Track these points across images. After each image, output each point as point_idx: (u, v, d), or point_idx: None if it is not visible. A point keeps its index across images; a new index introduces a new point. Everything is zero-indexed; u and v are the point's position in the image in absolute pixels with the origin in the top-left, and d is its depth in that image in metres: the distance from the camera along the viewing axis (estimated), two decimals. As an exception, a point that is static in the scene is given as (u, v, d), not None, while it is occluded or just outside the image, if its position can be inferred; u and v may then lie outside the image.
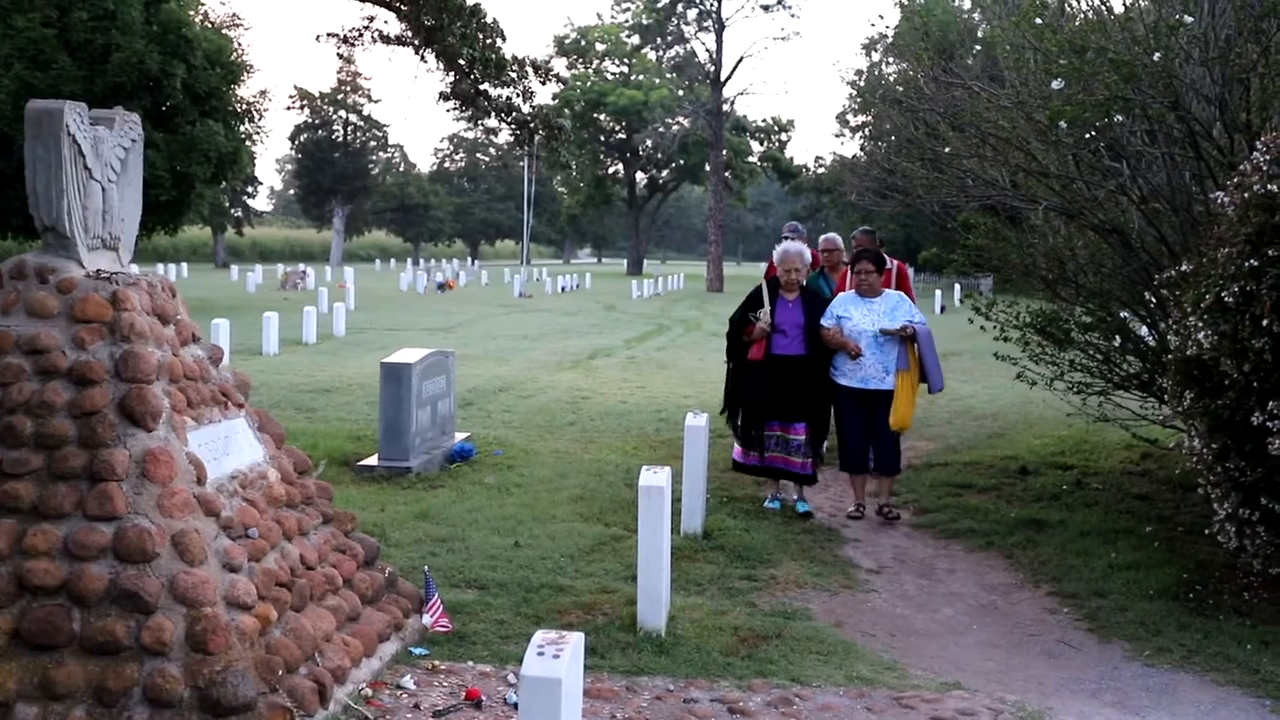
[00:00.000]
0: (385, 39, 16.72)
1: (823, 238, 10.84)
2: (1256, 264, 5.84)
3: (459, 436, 10.59)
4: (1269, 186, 5.86)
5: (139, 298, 4.70)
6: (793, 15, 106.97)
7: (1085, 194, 8.93)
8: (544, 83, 17.36)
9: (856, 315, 8.54)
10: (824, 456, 9.30)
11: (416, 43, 16.01)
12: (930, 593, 6.95)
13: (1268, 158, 6.08)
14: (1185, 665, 5.69)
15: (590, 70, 73.12)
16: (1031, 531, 8.19)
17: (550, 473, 9.67)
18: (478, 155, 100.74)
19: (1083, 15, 9.31)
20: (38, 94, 23.40)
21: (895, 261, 10.04)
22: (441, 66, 16.28)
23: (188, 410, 4.70)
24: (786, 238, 11.53)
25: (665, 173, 77.01)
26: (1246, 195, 6.07)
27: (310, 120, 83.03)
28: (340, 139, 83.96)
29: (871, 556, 7.69)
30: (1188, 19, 7.96)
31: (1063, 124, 8.28)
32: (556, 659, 3.23)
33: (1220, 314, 6.03)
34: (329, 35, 17.73)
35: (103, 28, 28.66)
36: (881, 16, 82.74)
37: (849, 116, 57.86)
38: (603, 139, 73.58)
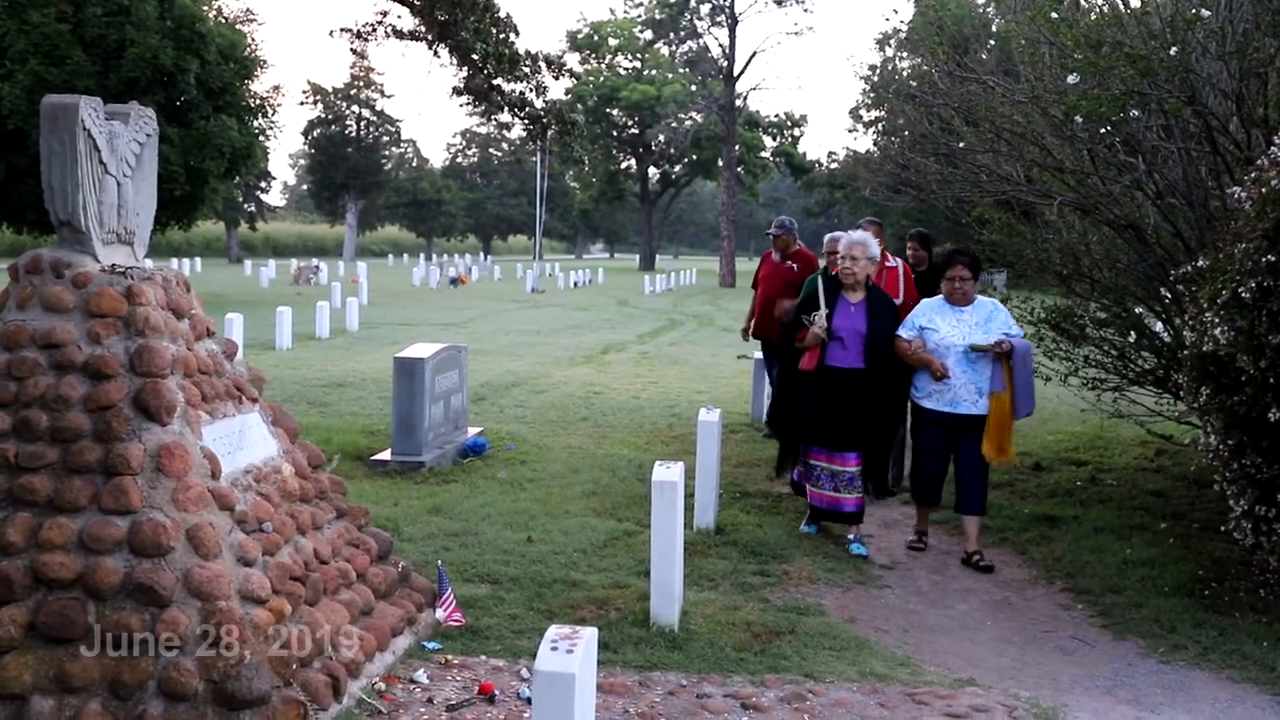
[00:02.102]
0: (398, 34, 16.71)
1: (828, 237, 9.56)
2: (1274, 259, 5.81)
3: (472, 431, 10.61)
4: (1286, 181, 5.82)
5: (154, 292, 4.71)
6: (806, 10, 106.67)
7: (1100, 189, 8.88)
8: (557, 78, 17.30)
9: (944, 327, 7.38)
10: (893, 489, 8.60)
11: (430, 38, 15.99)
12: (944, 589, 6.94)
13: (1285, 152, 6.04)
14: (1200, 662, 5.67)
15: (603, 65, 73.12)
16: (1045, 527, 8.16)
17: (563, 468, 9.68)
18: (490, 150, 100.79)
19: (1098, 9, 9.28)
20: (52, 89, 23.44)
21: (900, 261, 9.27)
22: (454, 61, 16.26)
23: (202, 405, 4.72)
24: (773, 235, 11.28)
25: (678, 168, 76.94)
26: (1264, 190, 6.03)
27: (323, 115, 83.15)
28: (353, 134, 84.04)
29: (885, 552, 7.68)
30: (1205, 13, 7.92)
31: (1078, 119, 8.24)
32: (570, 654, 3.23)
33: (1237, 310, 6.00)
34: (342, 30, 17.71)
35: (117, 23, 28.75)
36: (896, 11, 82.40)
37: (862, 111, 57.64)
38: (615, 134, 73.56)
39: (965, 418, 7.29)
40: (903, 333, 7.43)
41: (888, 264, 8.95)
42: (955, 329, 7.34)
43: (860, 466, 7.43)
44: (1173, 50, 7.67)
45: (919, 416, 7.52)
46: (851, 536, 7.61)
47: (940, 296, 7.56)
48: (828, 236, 9.61)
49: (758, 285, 11.35)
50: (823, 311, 7.36)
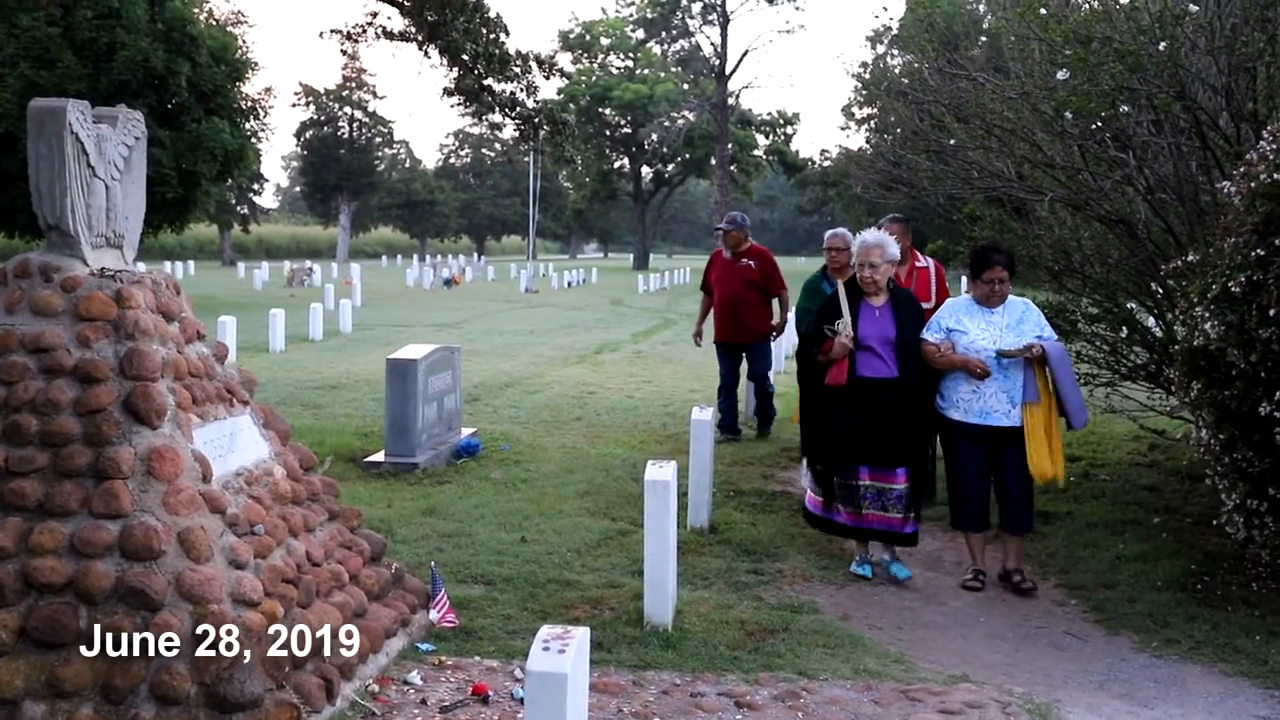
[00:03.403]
0: (389, 35, 16.71)
1: (829, 234, 9.23)
2: (1263, 254, 5.82)
3: (465, 432, 10.60)
4: (1275, 176, 5.83)
5: (143, 295, 4.71)
6: (797, 8, 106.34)
7: (1091, 185, 8.89)
8: (548, 78, 17.32)
9: (973, 329, 6.68)
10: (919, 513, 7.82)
11: (420, 38, 15.99)
12: (937, 585, 6.94)
13: (1274, 147, 6.05)
14: (1193, 656, 5.68)
15: (595, 65, 73.13)
16: (1039, 523, 8.15)
17: (557, 468, 9.67)
18: (483, 151, 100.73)
19: (1088, 5, 9.29)
20: (43, 93, 23.43)
21: (932, 260, 8.70)
22: (445, 62, 16.27)
23: (193, 407, 4.71)
24: (723, 230, 10.96)
25: (670, 167, 76.95)
26: (1253, 185, 6.04)
27: (315, 117, 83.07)
28: (346, 135, 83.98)
29: (879, 549, 7.68)
30: (1193, 8, 7.93)
31: (1068, 115, 8.26)
32: (563, 654, 3.22)
33: (1227, 304, 6.01)
34: (333, 32, 17.72)
35: (107, 26, 28.68)
36: (886, 9, 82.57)
37: (854, 109, 57.70)
38: (608, 133, 73.56)
39: (998, 430, 6.57)
40: (927, 335, 6.78)
41: (918, 264, 8.48)
42: (985, 331, 6.65)
43: (908, 484, 6.71)
44: (1162, 45, 7.69)
45: (949, 431, 6.78)
46: (887, 557, 7.01)
47: (967, 295, 6.95)
48: (828, 234, 9.21)
49: (711, 288, 11.05)
50: (846, 319, 6.69)
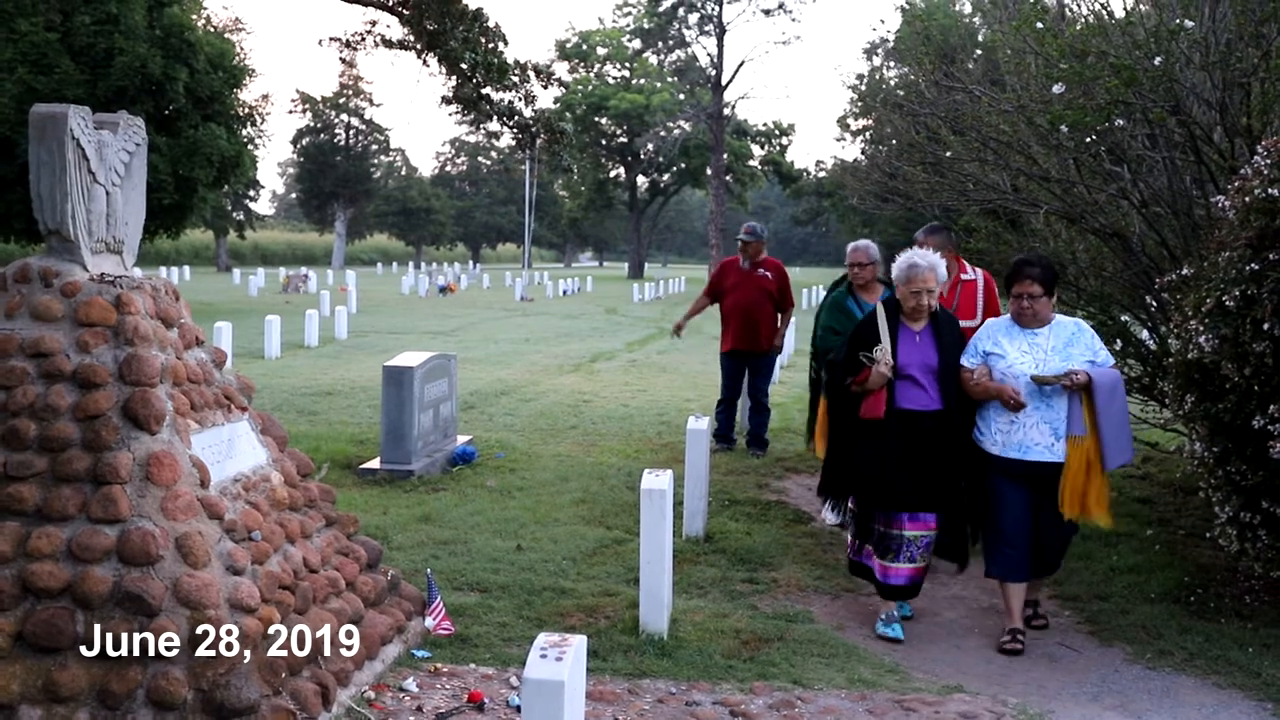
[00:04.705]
0: (388, 43, 16.78)
1: (852, 247, 8.45)
2: (1257, 268, 5.84)
3: (461, 440, 10.60)
4: (1270, 190, 5.86)
5: (142, 301, 4.71)
6: (794, 19, 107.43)
7: (1086, 198, 8.92)
8: (546, 87, 17.42)
9: (1012, 352, 5.88)
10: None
11: (419, 47, 16.05)
12: (931, 596, 6.93)
13: (1269, 162, 6.08)
14: (1186, 668, 5.68)
15: (592, 74, 73.16)
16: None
17: (552, 476, 9.67)
18: (479, 159, 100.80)
19: (1083, 19, 9.33)
20: (41, 98, 23.41)
21: (980, 271, 7.84)
22: (443, 71, 16.33)
23: (191, 413, 4.71)
24: (742, 241, 10.71)
25: (666, 176, 76.99)
26: (1247, 199, 6.07)
27: (312, 124, 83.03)
28: (342, 143, 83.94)
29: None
30: (1188, 23, 7.97)
31: (1064, 128, 8.28)
32: (559, 661, 3.23)
33: (1221, 318, 6.03)
34: (331, 39, 17.81)
35: (105, 32, 28.71)
36: (883, 21, 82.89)
37: (850, 120, 57.85)
38: (604, 143, 73.58)
39: (1038, 466, 5.81)
40: (965, 360, 6.00)
41: (964, 276, 7.66)
42: (1026, 355, 5.86)
43: (936, 530, 6.01)
44: (1157, 60, 7.72)
45: (987, 466, 5.96)
46: (883, 616, 6.18)
47: (1008, 315, 6.12)
48: (851, 247, 8.49)
49: (724, 294, 10.82)
50: (885, 346, 5.92)
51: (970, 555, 6.24)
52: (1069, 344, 5.88)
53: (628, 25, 70.28)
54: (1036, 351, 5.86)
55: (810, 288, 43.62)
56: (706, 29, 63.22)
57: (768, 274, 10.65)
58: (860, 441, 6.01)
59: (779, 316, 10.82)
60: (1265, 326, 5.73)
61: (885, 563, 6.03)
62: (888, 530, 5.98)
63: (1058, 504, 5.82)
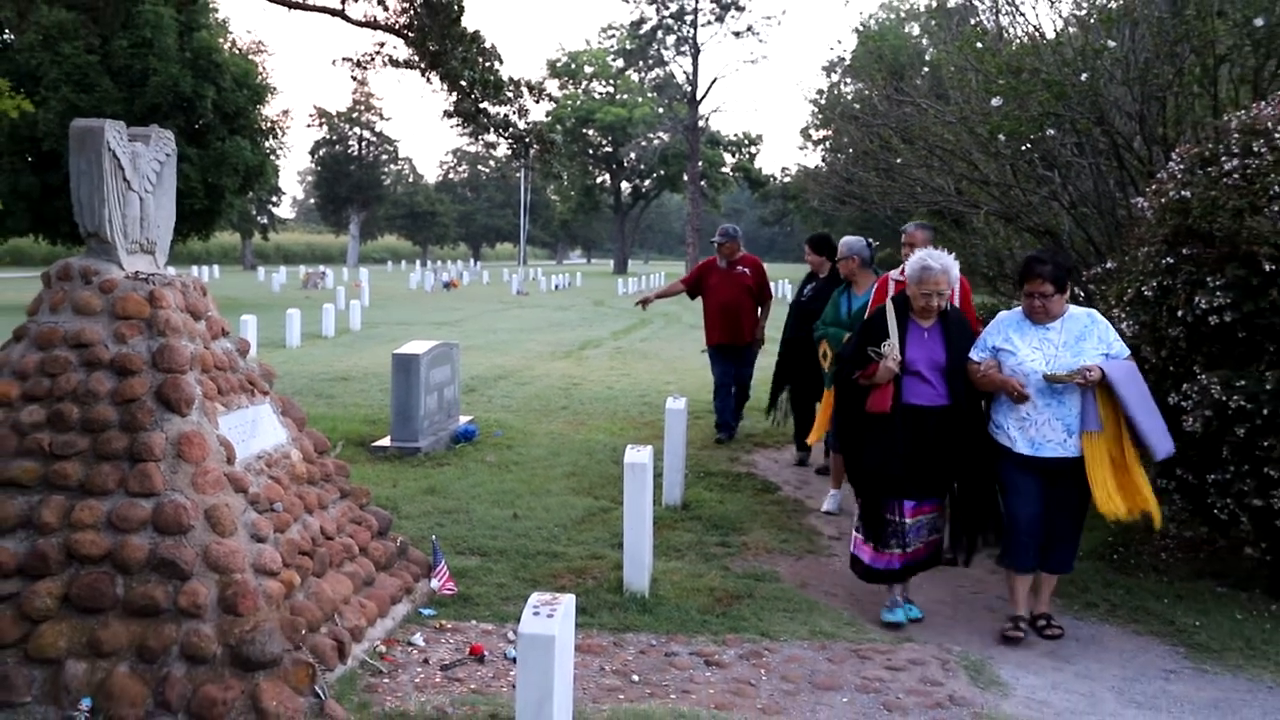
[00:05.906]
0: (395, 63, 16.66)
1: (843, 242, 8.16)
2: (1172, 261, 5.88)
3: (463, 419, 10.57)
4: (1183, 193, 5.89)
5: (173, 296, 4.69)
6: (761, 41, 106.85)
7: (1021, 199, 8.95)
8: (538, 101, 17.33)
9: (1022, 348, 5.31)
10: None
11: (423, 66, 15.95)
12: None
13: (1182, 167, 6.12)
14: (1110, 618, 5.72)
15: (580, 90, 72.86)
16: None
17: (545, 452, 9.66)
18: (479, 167, 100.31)
19: (1018, 40, 9.34)
20: (82, 114, 23.20)
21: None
22: (445, 87, 16.23)
23: (218, 397, 4.69)
24: (718, 242, 10.33)
25: (647, 182, 76.81)
26: (1163, 200, 6.09)
27: (328, 136, 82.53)
28: (355, 153, 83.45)
29: (833, 525, 7.70)
30: (1111, 43, 7.99)
31: (1001, 137, 8.31)
32: (551, 618, 3.23)
33: (1140, 306, 6.06)
34: (344, 59, 17.67)
35: (141, 54, 28.53)
36: (840, 41, 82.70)
37: (811, 131, 57.73)
38: (591, 152, 73.34)
39: (1053, 462, 5.24)
40: (974, 354, 5.49)
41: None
42: (1037, 351, 5.28)
43: (938, 513, 5.61)
44: (1083, 76, 7.74)
45: (1001, 459, 5.41)
46: (887, 603, 5.74)
47: (1018, 309, 5.53)
48: (842, 242, 8.19)
49: (706, 292, 10.48)
50: (894, 341, 5.46)
51: (973, 557, 5.80)
52: (1080, 338, 5.26)
53: (612, 46, 70.01)
54: (1047, 347, 5.28)
55: (777, 281, 43.61)
56: (683, 49, 63.01)
57: (746, 270, 10.39)
58: (866, 435, 5.56)
59: (759, 309, 10.65)
60: (1179, 314, 5.77)
61: (877, 550, 5.57)
62: (889, 517, 5.51)
63: (1068, 499, 5.32)
